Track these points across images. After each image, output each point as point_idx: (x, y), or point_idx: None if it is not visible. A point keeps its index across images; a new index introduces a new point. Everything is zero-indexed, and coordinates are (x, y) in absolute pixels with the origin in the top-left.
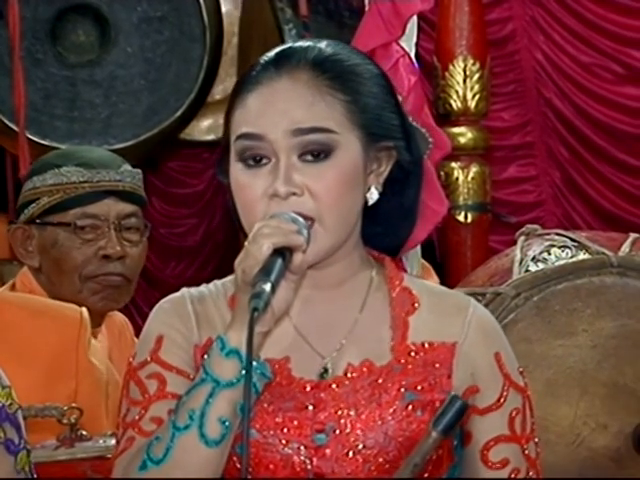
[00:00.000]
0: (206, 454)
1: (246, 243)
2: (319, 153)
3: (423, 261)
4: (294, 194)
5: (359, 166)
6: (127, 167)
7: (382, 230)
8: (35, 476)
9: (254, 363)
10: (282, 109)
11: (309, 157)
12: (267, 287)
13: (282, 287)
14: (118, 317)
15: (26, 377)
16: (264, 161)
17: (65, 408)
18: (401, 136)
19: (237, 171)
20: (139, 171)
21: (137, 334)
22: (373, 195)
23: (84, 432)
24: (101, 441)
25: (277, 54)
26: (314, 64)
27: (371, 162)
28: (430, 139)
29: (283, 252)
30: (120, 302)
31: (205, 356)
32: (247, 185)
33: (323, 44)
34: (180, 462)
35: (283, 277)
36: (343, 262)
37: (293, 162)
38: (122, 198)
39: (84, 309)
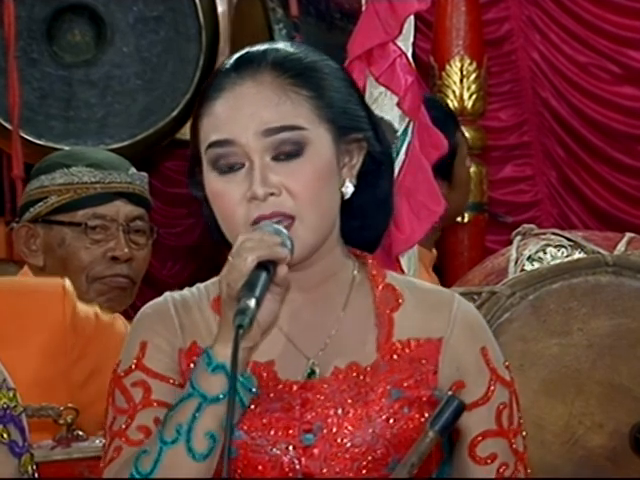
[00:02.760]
0: (194, 468)
1: (229, 257)
2: (291, 151)
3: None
4: (272, 194)
5: (332, 160)
6: (134, 170)
7: (359, 224)
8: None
9: (240, 378)
10: (249, 112)
11: (282, 156)
12: (252, 303)
13: (267, 300)
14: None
15: (21, 359)
16: (237, 166)
17: (61, 408)
18: (369, 127)
19: (212, 180)
20: (146, 174)
21: None
22: (348, 189)
23: (80, 432)
24: (97, 441)
25: (236, 60)
26: (274, 64)
27: (343, 155)
28: (396, 126)
29: (267, 265)
30: (123, 304)
31: (192, 368)
32: (224, 192)
33: (280, 45)
34: (168, 476)
35: (268, 290)
36: (324, 261)
37: (267, 163)
38: (131, 200)
39: (67, 280)
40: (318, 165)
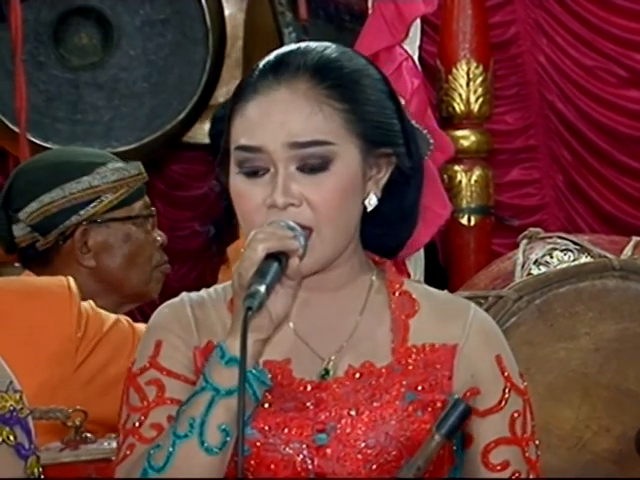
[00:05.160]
0: (207, 462)
1: (242, 249)
2: (317, 165)
3: None
4: (292, 205)
5: (358, 174)
6: None
7: (381, 231)
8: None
9: (253, 371)
10: (280, 121)
11: (307, 169)
12: (261, 288)
13: (280, 293)
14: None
15: (28, 360)
16: (262, 171)
17: (70, 410)
18: (401, 142)
19: (236, 179)
20: None
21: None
22: (372, 201)
23: (88, 434)
24: (105, 443)
25: (276, 61)
26: (313, 71)
27: (370, 168)
28: (431, 140)
29: (279, 257)
30: None
31: (206, 363)
32: (246, 194)
33: (322, 48)
34: (181, 470)
35: (279, 281)
36: (343, 267)
37: (291, 173)
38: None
39: (70, 280)
40: (342, 180)
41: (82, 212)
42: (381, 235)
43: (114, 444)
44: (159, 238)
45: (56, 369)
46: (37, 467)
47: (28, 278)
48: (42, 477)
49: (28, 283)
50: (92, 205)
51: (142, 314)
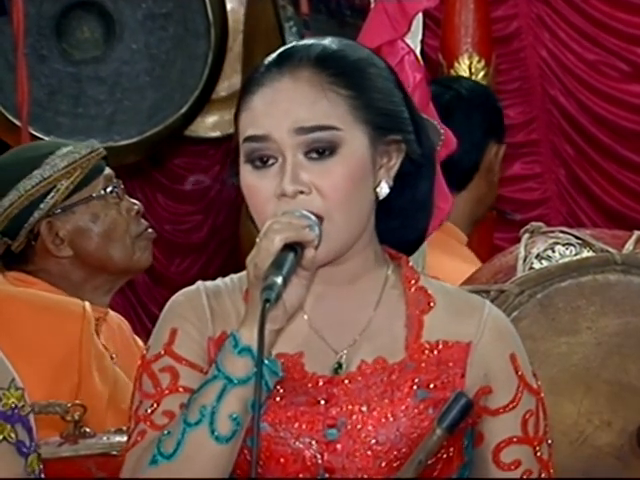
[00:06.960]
0: (216, 450)
1: (257, 239)
2: (324, 150)
3: (473, 256)
4: (302, 192)
5: (366, 161)
6: None
7: (399, 224)
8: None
9: (265, 361)
10: (285, 108)
11: (314, 155)
12: (279, 280)
13: (294, 284)
14: (113, 314)
15: (30, 372)
16: (271, 161)
17: (69, 405)
18: (410, 129)
19: (246, 173)
20: None
21: (143, 333)
22: (383, 189)
23: (87, 429)
24: (105, 438)
25: (279, 54)
26: (316, 61)
27: (380, 156)
28: (442, 130)
29: (294, 248)
30: None
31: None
32: (256, 186)
33: (327, 41)
34: (190, 458)
35: (295, 272)
36: (357, 259)
37: (299, 160)
38: (106, 162)
39: (87, 303)
40: (351, 166)
41: (42, 205)
42: (398, 228)
43: (113, 438)
44: (135, 207)
45: (56, 384)
46: (38, 465)
47: (45, 293)
48: (42, 474)
49: (44, 297)
50: (50, 196)
51: (145, 311)
